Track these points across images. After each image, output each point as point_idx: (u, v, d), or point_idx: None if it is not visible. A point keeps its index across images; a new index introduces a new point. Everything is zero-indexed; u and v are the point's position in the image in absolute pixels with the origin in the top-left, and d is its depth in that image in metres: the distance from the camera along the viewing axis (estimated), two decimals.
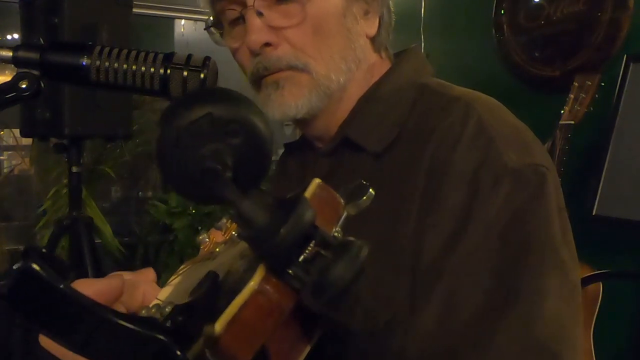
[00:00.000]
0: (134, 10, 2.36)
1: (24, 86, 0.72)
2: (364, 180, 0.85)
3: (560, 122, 2.28)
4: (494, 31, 2.94)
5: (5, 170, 4.00)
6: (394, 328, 0.79)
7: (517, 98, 2.78)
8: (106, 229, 3.18)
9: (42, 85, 0.73)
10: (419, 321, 0.77)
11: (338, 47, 0.89)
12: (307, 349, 0.49)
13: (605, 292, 2.20)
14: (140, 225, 3.63)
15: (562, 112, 2.30)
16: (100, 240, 3.01)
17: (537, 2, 2.75)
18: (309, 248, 0.41)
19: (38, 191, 3.31)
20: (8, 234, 3.25)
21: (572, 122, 2.26)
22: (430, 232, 0.79)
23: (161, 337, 0.43)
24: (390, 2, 0.96)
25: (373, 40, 0.94)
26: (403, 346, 0.78)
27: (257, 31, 0.86)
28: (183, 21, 4.36)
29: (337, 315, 0.42)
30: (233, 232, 0.67)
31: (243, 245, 0.46)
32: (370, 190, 0.48)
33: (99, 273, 2.07)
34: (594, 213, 2.30)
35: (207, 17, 0.95)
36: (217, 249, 0.67)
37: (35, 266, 0.40)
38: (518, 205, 0.77)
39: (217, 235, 0.72)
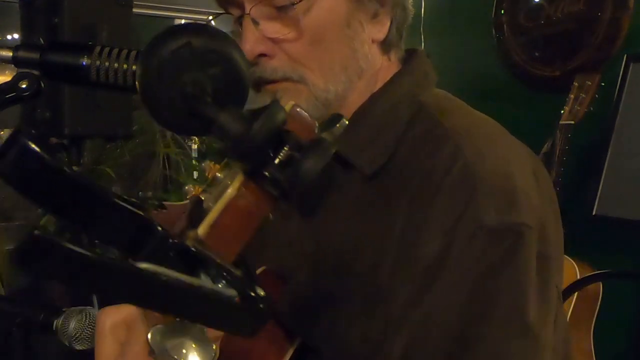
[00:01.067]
0: (134, 10, 2.36)
1: (24, 86, 0.72)
2: (352, 205, 0.85)
3: (560, 122, 2.28)
4: (494, 31, 2.94)
5: None
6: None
7: (517, 98, 2.78)
8: None
9: (42, 85, 0.73)
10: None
11: (339, 57, 0.85)
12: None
13: (605, 292, 2.20)
14: None
15: (562, 112, 2.30)
16: None
17: (537, 2, 2.75)
18: (284, 151, 0.44)
19: None
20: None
21: (572, 122, 2.26)
22: (402, 281, 0.77)
23: (143, 214, 0.46)
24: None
25: (382, 43, 0.89)
26: None
27: (252, 42, 0.83)
28: (183, 21, 4.36)
29: (309, 210, 0.44)
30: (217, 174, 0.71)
31: (223, 184, 0.49)
32: (344, 119, 0.50)
33: None
34: (594, 213, 2.30)
35: (206, 17, 0.94)
36: (202, 196, 0.70)
37: (30, 144, 0.42)
38: (489, 264, 0.75)
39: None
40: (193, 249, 0.45)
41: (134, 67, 0.74)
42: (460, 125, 0.83)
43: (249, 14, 0.83)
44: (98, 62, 0.74)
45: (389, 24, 0.88)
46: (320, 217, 0.86)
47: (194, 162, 3.93)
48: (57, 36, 2.05)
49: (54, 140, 2.23)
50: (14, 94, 0.72)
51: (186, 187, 0.74)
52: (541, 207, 0.80)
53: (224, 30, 0.94)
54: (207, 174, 0.75)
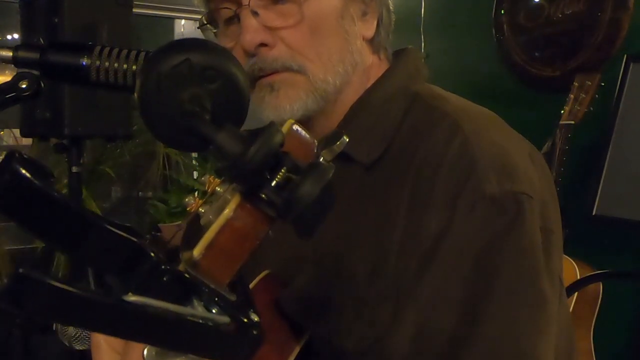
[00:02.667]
0: (134, 10, 2.36)
1: (24, 86, 0.72)
2: (353, 194, 0.86)
3: (560, 122, 2.28)
4: (494, 31, 2.94)
5: None
6: (377, 346, 0.79)
7: (517, 98, 2.78)
8: None
9: (42, 85, 0.73)
10: (392, 343, 0.77)
11: (336, 49, 0.87)
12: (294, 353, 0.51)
13: (605, 292, 2.20)
14: (140, 225, 3.62)
15: (562, 112, 2.30)
16: None
17: (537, 2, 2.75)
18: (281, 173, 0.44)
19: None
20: (8, 234, 3.24)
21: (572, 122, 2.25)
22: (409, 257, 0.78)
23: (134, 239, 0.45)
24: (390, 2, 0.96)
25: (371, 41, 0.92)
26: None
27: (252, 31, 0.84)
28: (183, 21, 4.36)
29: (308, 231, 0.44)
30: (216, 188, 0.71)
31: (223, 199, 0.49)
32: (344, 136, 0.50)
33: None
34: (594, 213, 2.30)
35: (201, 16, 0.94)
36: (201, 209, 0.70)
37: (22, 169, 0.42)
38: (493, 233, 0.75)
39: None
40: (186, 274, 0.45)
41: (134, 67, 0.74)
42: (456, 107, 0.86)
43: (247, 5, 0.84)
44: (98, 62, 0.74)
45: (375, 22, 0.92)
46: None
47: (193, 162, 3.93)
48: (57, 36, 2.06)
49: (54, 140, 2.24)
50: (14, 94, 0.72)
51: (186, 200, 0.74)
52: (539, 184, 0.81)
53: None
54: (206, 188, 0.75)
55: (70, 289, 0.40)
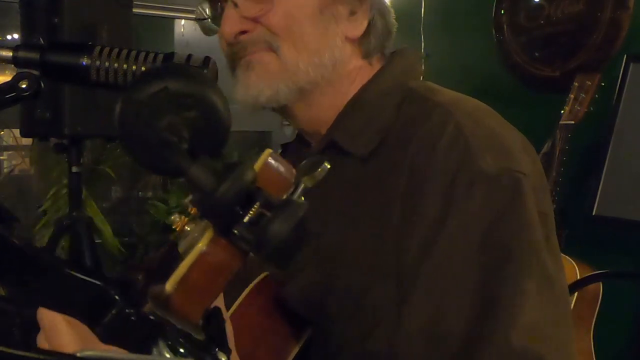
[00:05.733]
0: (134, 10, 2.36)
1: (24, 86, 0.72)
2: (351, 185, 0.87)
3: (560, 122, 2.28)
4: (494, 31, 2.93)
5: (5, 170, 4.01)
6: (380, 333, 0.79)
7: (517, 98, 2.78)
8: (106, 229, 3.18)
9: (42, 85, 0.73)
10: (403, 329, 0.77)
11: (312, 39, 0.88)
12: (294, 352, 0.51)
13: (605, 292, 2.20)
14: (140, 225, 3.62)
15: (562, 112, 2.30)
16: (100, 240, 3.01)
17: (537, 2, 2.75)
18: (254, 209, 0.44)
19: (38, 191, 3.31)
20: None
21: (572, 122, 2.26)
22: (409, 238, 0.79)
23: (98, 282, 0.46)
24: (389, 2, 0.96)
25: (359, 44, 0.92)
26: (389, 352, 0.78)
27: (230, 22, 0.87)
28: (183, 21, 4.36)
29: (282, 265, 0.44)
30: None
31: (199, 228, 0.49)
32: (325, 163, 0.50)
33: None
34: (594, 213, 2.30)
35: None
36: (187, 227, 0.69)
37: None
38: (495, 210, 0.76)
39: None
40: (151, 317, 0.45)
41: (134, 67, 0.74)
42: (450, 98, 0.88)
43: None
44: (98, 62, 0.74)
45: (365, 24, 0.91)
46: (319, 213, 0.86)
47: None
48: (57, 36, 2.06)
49: (54, 140, 2.23)
50: (14, 94, 0.72)
51: (172, 217, 0.73)
52: (532, 170, 0.82)
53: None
54: (175, 227, 0.74)
55: (10, 351, 0.39)
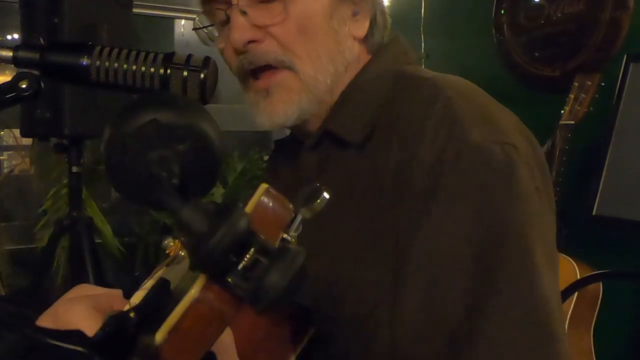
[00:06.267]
0: (134, 10, 2.36)
1: (24, 86, 0.72)
2: (347, 174, 0.86)
3: (560, 122, 2.28)
4: (494, 31, 2.94)
5: (5, 170, 4.00)
6: (378, 319, 0.79)
7: (517, 98, 2.78)
8: (106, 229, 3.17)
9: (42, 85, 0.73)
10: (401, 308, 0.77)
11: (326, 48, 0.88)
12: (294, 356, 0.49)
13: (605, 292, 2.20)
14: (140, 225, 3.62)
15: (562, 112, 2.30)
16: (100, 240, 3.00)
17: (537, 2, 2.74)
18: (248, 255, 0.41)
19: (38, 191, 3.31)
20: (8, 234, 3.24)
21: (572, 122, 2.26)
22: (402, 217, 0.78)
23: (80, 349, 0.42)
24: (389, 2, 0.96)
25: (364, 42, 0.93)
26: (389, 336, 0.77)
27: (240, 29, 0.85)
28: (183, 21, 4.36)
29: (277, 310, 0.41)
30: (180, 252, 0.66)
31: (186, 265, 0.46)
32: (324, 193, 0.48)
33: (99, 273, 2.07)
34: (594, 213, 2.29)
35: (195, 18, 0.95)
36: (182, 252, 0.66)
37: None
38: (484, 181, 0.75)
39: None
40: None
41: (134, 67, 0.74)
42: (439, 75, 0.87)
43: (236, 4, 0.85)
44: (98, 62, 0.74)
45: (367, 23, 0.92)
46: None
47: None
48: (57, 36, 2.06)
49: (54, 140, 2.23)
50: (14, 94, 0.72)
51: (165, 242, 0.70)
52: (526, 147, 0.81)
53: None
54: (168, 251, 0.70)
55: None
